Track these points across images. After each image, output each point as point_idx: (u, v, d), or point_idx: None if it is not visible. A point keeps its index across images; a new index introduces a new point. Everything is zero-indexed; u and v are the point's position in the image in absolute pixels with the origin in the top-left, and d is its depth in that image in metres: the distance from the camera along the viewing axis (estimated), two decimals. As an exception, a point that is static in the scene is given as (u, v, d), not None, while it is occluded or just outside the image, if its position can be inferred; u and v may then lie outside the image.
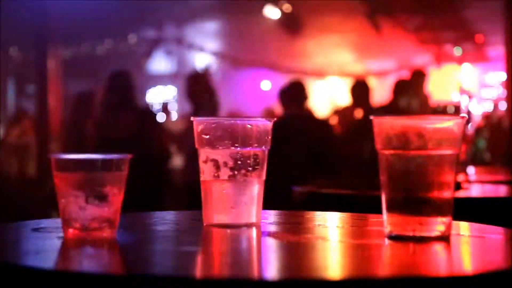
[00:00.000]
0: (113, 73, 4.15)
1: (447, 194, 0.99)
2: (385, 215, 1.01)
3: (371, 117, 1.00)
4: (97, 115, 4.31)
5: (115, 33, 10.23)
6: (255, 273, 0.82)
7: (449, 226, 1.00)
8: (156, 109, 7.82)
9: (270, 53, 12.25)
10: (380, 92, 6.37)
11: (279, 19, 8.16)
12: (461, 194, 2.06)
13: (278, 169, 4.03)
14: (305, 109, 4.32)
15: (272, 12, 8.13)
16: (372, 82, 5.49)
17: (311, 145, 4.08)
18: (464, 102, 6.54)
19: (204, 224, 1.11)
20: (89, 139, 4.48)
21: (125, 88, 4.06)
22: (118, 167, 0.97)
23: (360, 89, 4.58)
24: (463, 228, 1.15)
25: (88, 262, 0.89)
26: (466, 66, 13.41)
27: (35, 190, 5.09)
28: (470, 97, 6.87)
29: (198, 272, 0.84)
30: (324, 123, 4.68)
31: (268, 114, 7.38)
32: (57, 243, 0.98)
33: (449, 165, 0.99)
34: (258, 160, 1.07)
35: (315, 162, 4.05)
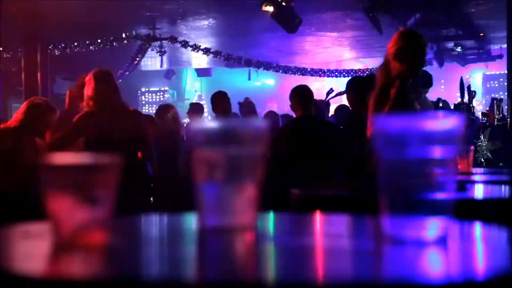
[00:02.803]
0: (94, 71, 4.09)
1: (448, 195, 0.97)
2: (384, 217, 0.99)
3: (370, 116, 0.98)
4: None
5: (108, 31, 10.18)
6: (251, 277, 0.80)
7: (449, 228, 0.98)
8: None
9: (266, 50, 12.21)
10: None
11: (276, 17, 8.11)
12: (463, 194, 2.04)
13: (278, 171, 4.02)
14: (312, 112, 4.33)
15: (268, 9, 8.08)
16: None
17: (319, 147, 4.07)
18: (466, 100, 6.51)
19: (199, 227, 1.09)
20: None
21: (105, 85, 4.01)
22: (110, 169, 0.94)
23: (359, 86, 4.56)
24: (464, 229, 1.13)
25: (79, 267, 0.87)
26: (468, 63, 13.40)
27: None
28: (472, 95, 6.81)
29: (193, 276, 0.82)
30: (331, 125, 4.69)
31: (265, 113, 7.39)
32: (47, 248, 0.96)
33: (449, 165, 0.96)
34: (254, 162, 1.05)
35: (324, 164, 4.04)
